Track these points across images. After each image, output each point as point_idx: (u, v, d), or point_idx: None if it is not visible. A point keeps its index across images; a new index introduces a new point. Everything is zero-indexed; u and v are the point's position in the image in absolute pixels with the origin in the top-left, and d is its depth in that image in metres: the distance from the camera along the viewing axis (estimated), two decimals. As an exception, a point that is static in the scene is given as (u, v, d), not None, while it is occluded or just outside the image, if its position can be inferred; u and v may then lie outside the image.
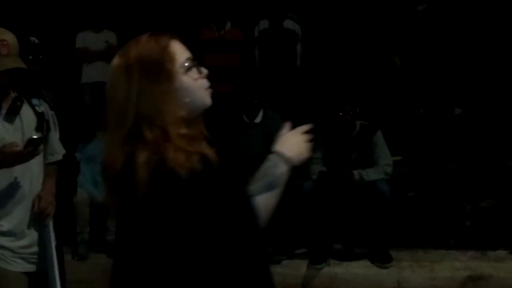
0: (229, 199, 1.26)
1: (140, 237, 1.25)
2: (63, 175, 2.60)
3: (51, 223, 2.46)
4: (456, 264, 4.05)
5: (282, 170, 1.35)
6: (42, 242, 2.43)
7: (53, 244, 2.45)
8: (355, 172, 4.06)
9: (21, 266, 2.36)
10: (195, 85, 1.33)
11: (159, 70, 1.28)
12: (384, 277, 4.03)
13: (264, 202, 1.31)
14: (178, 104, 1.29)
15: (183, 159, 1.22)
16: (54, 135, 2.54)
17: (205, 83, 1.35)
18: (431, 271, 4.00)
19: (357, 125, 4.28)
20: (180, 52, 1.33)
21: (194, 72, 1.33)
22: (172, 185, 1.21)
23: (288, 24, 5.16)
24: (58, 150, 2.54)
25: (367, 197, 4.00)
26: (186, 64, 1.32)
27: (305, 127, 1.43)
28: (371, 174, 4.09)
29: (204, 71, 1.36)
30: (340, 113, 4.20)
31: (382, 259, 4.09)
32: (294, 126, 1.44)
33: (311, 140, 1.43)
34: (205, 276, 1.23)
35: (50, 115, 2.51)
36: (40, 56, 3.55)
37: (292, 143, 1.41)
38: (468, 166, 4.62)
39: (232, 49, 5.17)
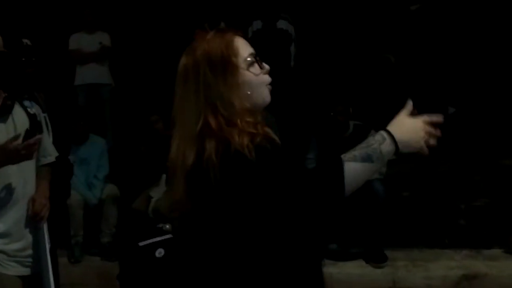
0: (306, 169, 1.31)
1: (219, 223, 1.29)
2: (56, 177, 2.59)
3: (45, 226, 2.45)
4: (451, 263, 4.06)
5: (385, 149, 1.29)
6: (37, 245, 2.41)
7: (48, 247, 2.44)
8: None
9: (15, 270, 2.34)
10: (256, 80, 1.38)
11: (224, 64, 1.36)
12: (379, 276, 4.04)
13: (355, 169, 1.26)
14: (243, 97, 1.35)
15: (247, 141, 1.26)
16: (47, 137, 2.53)
17: (266, 78, 1.40)
18: (426, 271, 4.01)
19: (351, 125, 4.28)
20: (243, 48, 1.40)
21: (256, 67, 1.39)
22: (240, 167, 1.25)
23: (282, 24, 5.16)
24: (51, 152, 2.53)
25: (362, 197, 4.00)
26: (249, 59, 1.39)
27: (433, 118, 1.35)
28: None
29: (266, 66, 1.41)
30: (332, 114, 4.21)
31: (377, 259, 4.09)
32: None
33: (433, 136, 1.32)
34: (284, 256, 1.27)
35: (42, 117, 2.50)
36: (33, 58, 3.53)
37: (409, 128, 1.33)
38: (462, 165, 4.64)
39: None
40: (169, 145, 1.39)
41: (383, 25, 5.33)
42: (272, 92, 1.43)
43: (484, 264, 4.03)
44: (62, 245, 4.00)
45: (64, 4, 5.71)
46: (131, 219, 4.34)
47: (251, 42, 1.37)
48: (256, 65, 1.39)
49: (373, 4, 5.45)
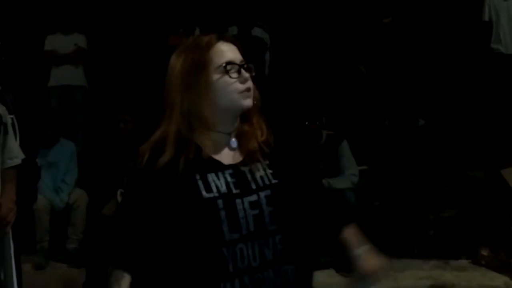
0: None
1: None
2: (23, 180, 2.52)
3: (10, 231, 2.38)
4: (419, 273, 4.10)
5: None
6: (1, 250, 2.34)
7: (12, 253, 2.37)
8: (323, 181, 4.08)
9: (-24, 276, 2.28)
10: (227, 87, 1.38)
11: (196, 69, 1.36)
12: (349, 286, 4.04)
13: None
14: (206, 103, 1.37)
15: None
16: (12, 139, 2.46)
17: (239, 86, 1.39)
18: (394, 280, 4.04)
19: (324, 135, 4.30)
20: (220, 55, 1.38)
21: (229, 75, 1.38)
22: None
23: (257, 32, 5.17)
24: (17, 154, 2.46)
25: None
26: (223, 66, 1.37)
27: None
28: (337, 184, 4.12)
29: (244, 75, 1.40)
30: (306, 123, 4.23)
31: (347, 268, 4.09)
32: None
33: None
34: None
35: (9, 118, 2.44)
36: (2, 58, 3.45)
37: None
38: (431, 176, 4.71)
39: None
40: (135, 147, 1.40)
41: (356, 37, 5.40)
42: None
43: (452, 274, 4.09)
44: (26, 251, 3.89)
45: (41, 4, 5.62)
46: (100, 225, 4.25)
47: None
48: (231, 72, 1.39)
49: (347, 16, 5.52)
